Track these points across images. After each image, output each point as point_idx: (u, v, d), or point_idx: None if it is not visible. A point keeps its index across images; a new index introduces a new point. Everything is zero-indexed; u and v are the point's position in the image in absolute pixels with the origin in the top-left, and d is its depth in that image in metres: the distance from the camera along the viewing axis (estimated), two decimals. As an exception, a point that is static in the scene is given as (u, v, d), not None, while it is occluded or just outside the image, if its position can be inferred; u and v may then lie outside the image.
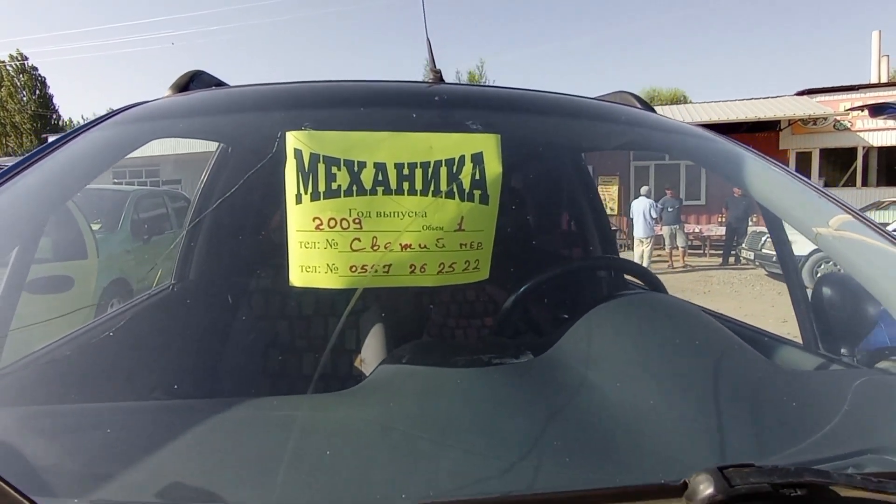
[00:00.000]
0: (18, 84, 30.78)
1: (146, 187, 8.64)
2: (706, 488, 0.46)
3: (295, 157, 0.75)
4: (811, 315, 1.05)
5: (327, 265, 0.76)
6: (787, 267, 1.16)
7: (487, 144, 0.79)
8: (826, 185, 11.08)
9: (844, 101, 12.85)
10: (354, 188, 0.76)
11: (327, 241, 0.76)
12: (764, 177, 1.05)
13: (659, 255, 12.07)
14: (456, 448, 0.59)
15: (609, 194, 14.55)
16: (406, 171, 0.77)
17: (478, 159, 0.78)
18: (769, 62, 55.35)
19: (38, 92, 31.17)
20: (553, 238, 1.30)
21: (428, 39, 1.16)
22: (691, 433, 0.62)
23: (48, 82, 32.03)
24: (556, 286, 0.97)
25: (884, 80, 14.81)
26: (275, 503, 0.52)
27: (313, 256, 0.75)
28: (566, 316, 0.84)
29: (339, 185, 0.76)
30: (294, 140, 0.76)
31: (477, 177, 0.78)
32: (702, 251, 13.19)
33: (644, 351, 0.76)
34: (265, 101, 1.01)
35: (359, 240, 0.76)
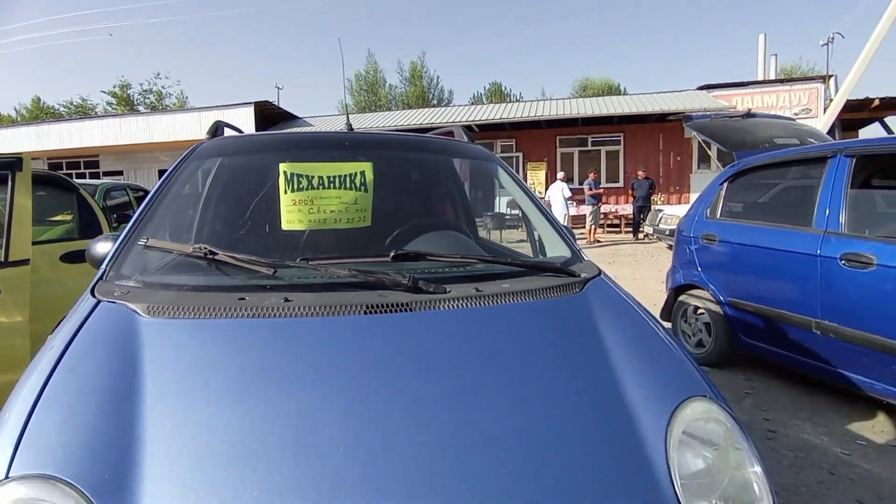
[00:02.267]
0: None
1: (112, 180, 9.17)
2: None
3: (283, 174, 1.78)
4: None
5: (298, 220, 1.79)
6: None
7: (367, 166, 1.85)
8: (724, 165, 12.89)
9: (736, 95, 14.72)
10: (310, 187, 1.79)
11: (298, 209, 1.78)
12: (505, 180, 2.12)
13: (581, 234, 13.61)
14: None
15: (537, 178, 15.96)
16: (334, 180, 1.82)
17: (363, 173, 1.84)
18: (684, 60, 59.56)
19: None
20: (408, 207, 2.22)
21: (346, 104, 2.21)
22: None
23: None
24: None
25: (771, 76, 16.96)
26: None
27: (292, 215, 1.78)
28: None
29: (303, 186, 1.79)
30: (283, 166, 1.78)
31: (363, 180, 1.84)
32: (618, 228, 14.87)
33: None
34: (260, 144, 2.03)
35: (311, 209, 1.79)
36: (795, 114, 13.72)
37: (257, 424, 0.91)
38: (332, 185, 1.83)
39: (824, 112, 12.74)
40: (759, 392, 3.33)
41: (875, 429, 2.78)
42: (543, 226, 1.88)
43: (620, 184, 15.83)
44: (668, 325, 4.36)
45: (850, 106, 12.72)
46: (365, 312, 1.19)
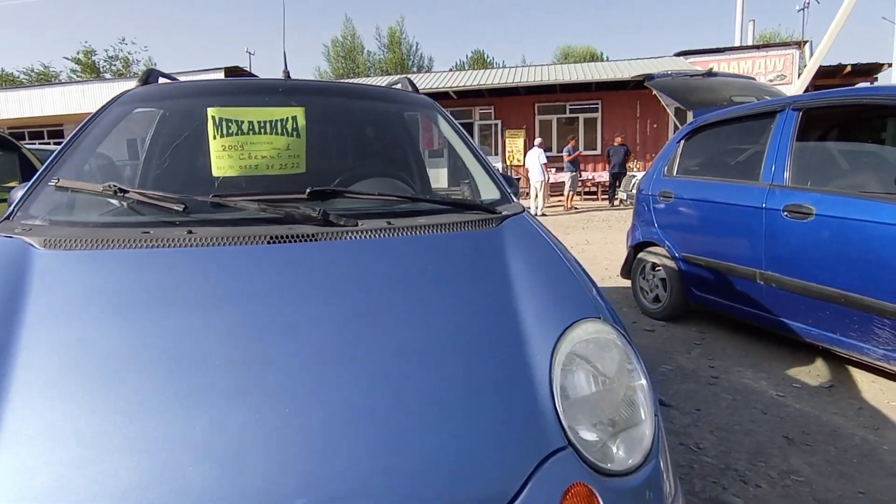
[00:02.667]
0: None
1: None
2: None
3: (212, 119, 1.75)
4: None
5: (228, 165, 1.76)
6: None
7: (299, 111, 1.82)
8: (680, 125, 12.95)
9: (713, 61, 14.69)
10: (239, 132, 1.77)
11: (228, 155, 1.76)
12: (445, 128, 2.12)
13: (560, 201, 13.67)
14: None
15: (515, 146, 15.91)
16: (265, 125, 1.79)
17: (295, 119, 1.82)
18: (664, 28, 59.00)
19: None
20: (346, 154, 2.11)
21: (284, 52, 2.16)
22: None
23: None
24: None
25: (749, 42, 16.94)
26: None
27: (223, 161, 1.76)
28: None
29: (232, 131, 1.76)
30: (211, 111, 1.75)
31: (294, 126, 1.81)
32: (595, 196, 14.97)
33: None
34: (190, 90, 1.98)
35: (242, 154, 1.77)
36: (770, 80, 13.78)
37: (136, 342, 0.92)
38: (262, 130, 1.81)
39: (798, 78, 12.82)
40: (708, 342, 3.43)
41: (811, 373, 2.90)
42: (478, 171, 1.88)
43: (598, 151, 15.85)
44: (627, 282, 4.45)
45: (823, 72, 12.82)
46: (269, 242, 1.20)
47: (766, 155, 3.09)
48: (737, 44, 16.65)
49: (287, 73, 2.13)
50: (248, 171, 1.79)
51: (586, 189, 15.22)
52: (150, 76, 2.11)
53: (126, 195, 1.34)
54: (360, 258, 1.20)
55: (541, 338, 1.03)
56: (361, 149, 2.06)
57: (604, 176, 14.44)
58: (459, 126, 2.08)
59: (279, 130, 1.82)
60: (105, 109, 1.84)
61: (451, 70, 19.25)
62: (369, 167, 2.03)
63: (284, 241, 1.20)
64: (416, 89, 2.42)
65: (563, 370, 0.99)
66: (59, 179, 1.42)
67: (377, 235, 1.27)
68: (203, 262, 1.13)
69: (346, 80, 2.23)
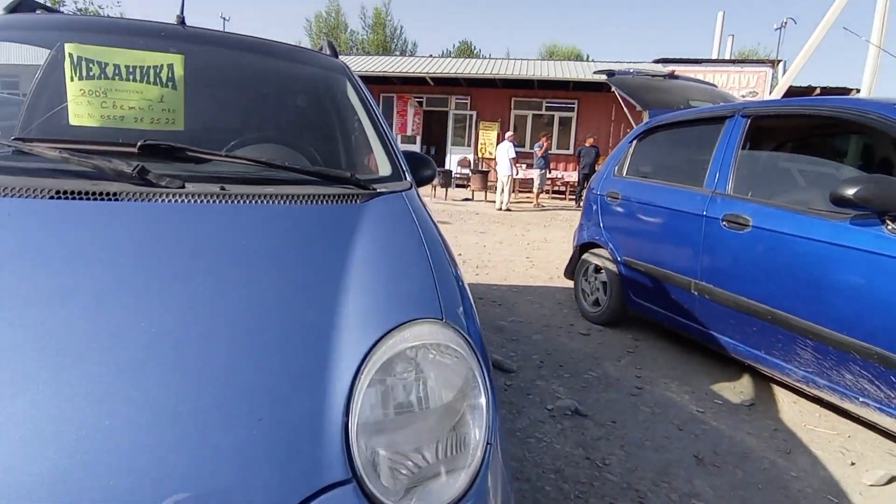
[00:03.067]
0: None
1: None
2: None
3: (69, 56, 1.50)
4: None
5: (88, 113, 1.52)
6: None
7: (177, 59, 1.59)
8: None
9: (690, 71, 14.73)
10: (103, 76, 1.52)
11: (88, 101, 1.52)
12: (352, 97, 1.90)
13: (528, 198, 13.58)
14: None
15: (488, 138, 15.74)
16: (134, 70, 1.55)
17: (171, 67, 1.58)
18: (648, 32, 59.59)
19: None
20: (236, 114, 1.79)
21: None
22: None
23: None
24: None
25: (725, 56, 17.10)
26: None
27: (81, 108, 1.51)
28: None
29: (93, 73, 1.52)
30: (69, 47, 1.50)
31: (170, 75, 1.58)
32: (563, 195, 14.94)
33: None
34: (56, 23, 1.72)
35: (105, 102, 1.53)
36: (743, 95, 13.91)
37: None
38: (131, 76, 1.57)
39: (770, 95, 12.98)
40: (641, 351, 3.33)
41: (735, 389, 2.81)
42: (377, 144, 1.69)
43: (570, 151, 15.81)
44: (570, 283, 4.33)
45: (793, 92, 12.99)
46: (53, 197, 0.98)
47: (711, 161, 2.97)
48: (714, 56, 16.79)
49: (181, 18, 1.88)
50: (111, 123, 1.55)
51: (555, 188, 15.18)
52: (20, 5, 1.84)
53: None
54: (162, 225, 0.99)
55: (356, 338, 0.84)
56: (256, 109, 1.83)
57: (573, 176, 14.41)
58: (369, 96, 1.87)
59: (151, 79, 1.59)
60: None
61: (430, 56, 18.89)
62: (264, 130, 1.81)
63: (73, 197, 0.99)
64: (335, 53, 2.20)
65: (374, 381, 0.80)
66: None
67: (202, 201, 1.07)
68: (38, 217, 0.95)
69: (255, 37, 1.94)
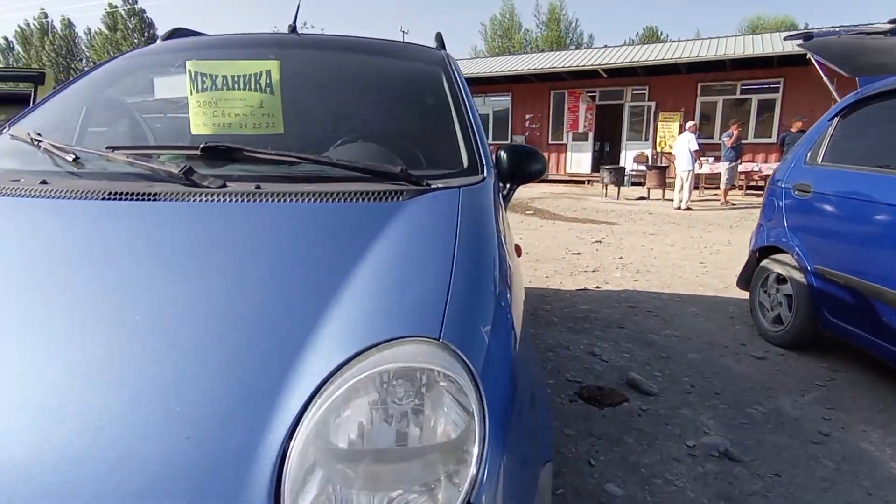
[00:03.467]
0: (130, 27, 34.01)
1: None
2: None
3: (189, 73, 1.65)
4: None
5: (203, 123, 1.66)
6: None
7: (273, 65, 1.64)
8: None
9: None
10: (214, 87, 1.65)
11: (203, 112, 1.66)
12: (449, 91, 1.79)
13: (715, 194, 11.98)
14: None
15: (669, 131, 14.28)
16: (238, 80, 1.65)
17: (269, 73, 1.65)
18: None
19: (146, 34, 34.35)
20: (334, 114, 1.80)
21: (299, 4, 2.00)
22: None
23: (156, 24, 35.12)
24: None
25: None
26: None
27: (198, 118, 1.66)
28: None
29: (206, 86, 1.65)
30: (189, 64, 1.65)
31: (268, 81, 1.65)
32: (761, 190, 12.84)
33: None
34: (198, 44, 1.92)
35: (216, 111, 1.65)
36: None
37: None
38: (236, 85, 1.67)
39: None
40: (836, 385, 2.61)
41: (982, 453, 2.02)
42: (459, 136, 1.54)
43: (773, 139, 13.55)
44: (746, 294, 3.63)
45: None
46: (106, 198, 1.07)
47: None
48: None
49: (292, 27, 1.96)
50: (222, 130, 1.68)
51: (750, 183, 13.14)
52: (174, 32, 2.11)
53: (40, 144, 1.30)
54: (182, 223, 1.02)
55: (328, 353, 0.71)
56: (352, 109, 1.82)
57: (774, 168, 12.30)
58: (462, 87, 1.73)
59: (252, 86, 1.67)
60: (107, 62, 1.85)
61: (604, 46, 17.86)
62: (359, 130, 1.79)
63: (119, 199, 1.06)
64: (441, 45, 2.11)
65: (332, 408, 0.66)
66: (9, 128, 1.44)
67: (237, 200, 1.07)
68: (34, 212, 1.07)
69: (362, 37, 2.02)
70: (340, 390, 0.67)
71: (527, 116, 16.64)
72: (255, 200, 1.07)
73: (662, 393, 2.50)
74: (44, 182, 1.15)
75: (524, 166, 1.66)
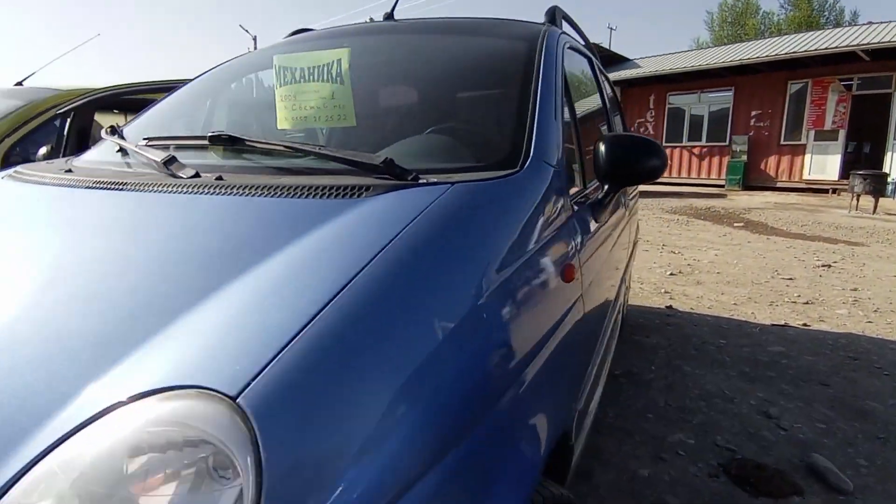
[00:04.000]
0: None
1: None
2: None
3: (275, 68, 1.63)
4: None
5: (284, 117, 1.63)
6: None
7: (343, 53, 1.53)
8: None
9: None
10: (293, 80, 1.60)
11: (284, 106, 1.62)
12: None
13: None
14: None
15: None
16: (313, 71, 1.58)
17: (339, 62, 1.54)
18: None
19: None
20: (410, 104, 1.66)
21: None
22: None
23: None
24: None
25: None
26: None
27: (281, 112, 1.62)
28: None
29: (287, 79, 1.61)
30: (276, 59, 1.64)
31: (338, 70, 1.53)
32: None
33: None
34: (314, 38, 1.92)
35: (295, 105, 1.61)
36: None
37: None
38: (311, 77, 1.61)
39: None
40: None
41: None
42: (516, 120, 1.22)
43: None
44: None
45: None
46: (90, 188, 1.11)
47: None
48: None
49: (388, 14, 1.82)
50: (299, 123, 1.65)
51: None
52: (298, 32, 2.16)
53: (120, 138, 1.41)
54: (129, 210, 1.00)
55: (92, 397, 0.52)
56: (426, 98, 1.60)
57: None
58: (547, 70, 1.36)
59: (325, 77, 1.59)
60: (228, 62, 1.95)
61: (867, 23, 14.19)
62: (429, 120, 1.56)
63: (104, 188, 1.09)
64: (551, 19, 1.75)
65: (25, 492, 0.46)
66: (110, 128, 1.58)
67: (196, 191, 0.99)
68: (40, 199, 1.14)
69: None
70: (38, 476, 0.48)
71: (752, 113, 14.26)
72: (208, 192, 0.96)
73: (861, 493, 1.74)
74: (69, 171, 1.24)
75: (630, 162, 1.26)
